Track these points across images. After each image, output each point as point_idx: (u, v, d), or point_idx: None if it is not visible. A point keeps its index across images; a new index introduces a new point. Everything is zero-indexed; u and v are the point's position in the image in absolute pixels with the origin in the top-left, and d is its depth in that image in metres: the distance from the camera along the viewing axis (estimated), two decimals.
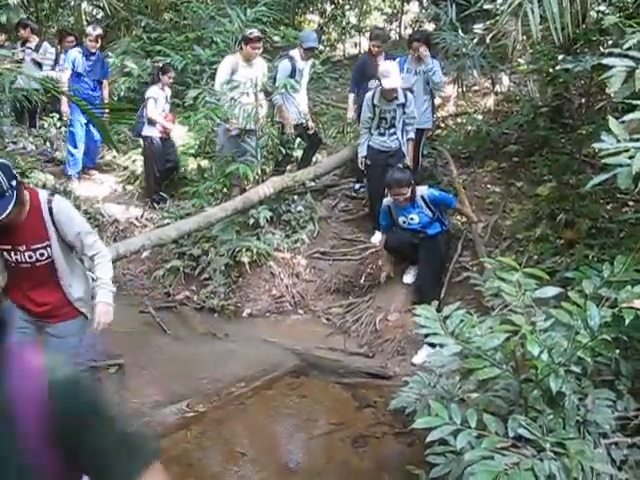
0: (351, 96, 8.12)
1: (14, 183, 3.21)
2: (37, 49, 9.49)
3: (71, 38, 9.00)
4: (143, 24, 11.53)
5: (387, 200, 6.17)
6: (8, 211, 3.18)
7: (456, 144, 8.32)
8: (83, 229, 3.65)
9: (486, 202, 7.06)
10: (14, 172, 3.27)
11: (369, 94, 6.82)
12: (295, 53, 7.69)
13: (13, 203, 3.20)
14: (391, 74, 6.52)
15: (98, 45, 8.58)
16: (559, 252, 5.71)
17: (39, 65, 9.28)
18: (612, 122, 3.03)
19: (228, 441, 4.46)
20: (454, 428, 2.82)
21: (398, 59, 7.39)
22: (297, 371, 5.50)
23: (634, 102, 3.16)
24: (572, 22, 5.00)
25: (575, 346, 2.84)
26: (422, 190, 6.01)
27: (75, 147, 8.53)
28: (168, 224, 6.93)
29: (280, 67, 7.57)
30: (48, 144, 9.43)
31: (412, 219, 6.00)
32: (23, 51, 9.32)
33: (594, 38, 5.93)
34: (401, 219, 6.06)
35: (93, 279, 3.77)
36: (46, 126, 8.18)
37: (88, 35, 8.41)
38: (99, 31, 8.57)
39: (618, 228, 5.57)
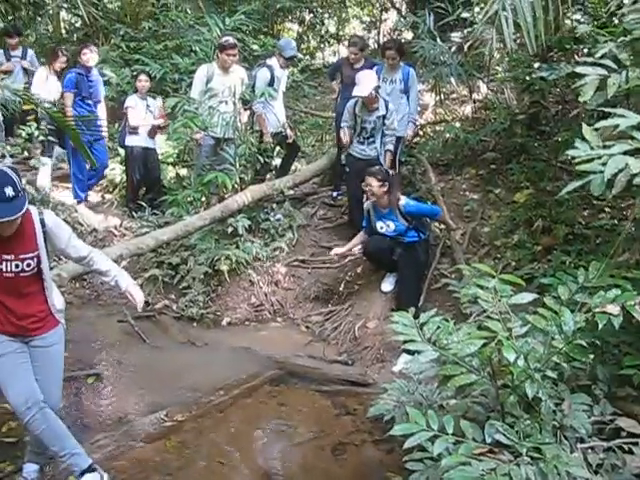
0: (333, 83, 8.29)
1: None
2: (24, 56, 9.40)
3: (64, 59, 8.73)
4: (122, 33, 11.51)
5: (367, 204, 6.18)
6: (24, 210, 3.30)
7: (434, 152, 8.37)
8: (72, 235, 3.75)
9: (464, 209, 7.11)
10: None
11: (351, 102, 6.86)
12: (273, 62, 7.71)
13: (26, 204, 3.33)
14: (362, 83, 6.59)
15: (95, 59, 8.45)
16: (536, 258, 5.77)
17: (27, 73, 9.14)
18: (586, 129, 3.06)
19: (208, 450, 4.42)
20: (431, 434, 2.83)
21: (376, 67, 7.44)
22: (276, 379, 5.48)
23: (607, 110, 3.19)
24: (546, 31, 5.06)
25: (551, 352, 2.86)
26: (402, 199, 6.01)
27: (81, 173, 8.37)
28: (147, 233, 6.90)
29: (259, 76, 7.59)
30: (26, 153, 9.33)
31: (388, 226, 6.04)
32: (8, 60, 9.21)
33: (568, 46, 6.00)
34: (378, 224, 6.08)
35: (101, 272, 3.90)
36: (24, 135, 8.09)
37: (84, 53, 8.24)
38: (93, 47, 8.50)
39: (594, 234, 5.64)
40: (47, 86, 8.38)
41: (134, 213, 8.11)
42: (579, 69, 3.54)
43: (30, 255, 3.50)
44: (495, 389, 2.97)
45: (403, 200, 6.00)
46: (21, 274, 3.52)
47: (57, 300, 3.79)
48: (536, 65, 6.32)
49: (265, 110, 7.60)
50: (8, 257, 3.46)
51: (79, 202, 8.35)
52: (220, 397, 5.07)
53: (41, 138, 8.09)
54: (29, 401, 3.55)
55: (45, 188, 8.14)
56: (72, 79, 8.17)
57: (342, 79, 7.85)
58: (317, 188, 8.32)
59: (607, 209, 6.12)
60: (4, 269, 3.48)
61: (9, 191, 3.20)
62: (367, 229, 6.23)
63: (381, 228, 6.07)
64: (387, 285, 6.32)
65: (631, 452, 2.86)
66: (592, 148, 2.98)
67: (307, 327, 6.46)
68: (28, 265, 3.51)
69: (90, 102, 8.30)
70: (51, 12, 12.96)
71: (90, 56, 8.20)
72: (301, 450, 4.49)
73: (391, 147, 6.91)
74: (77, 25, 13.46)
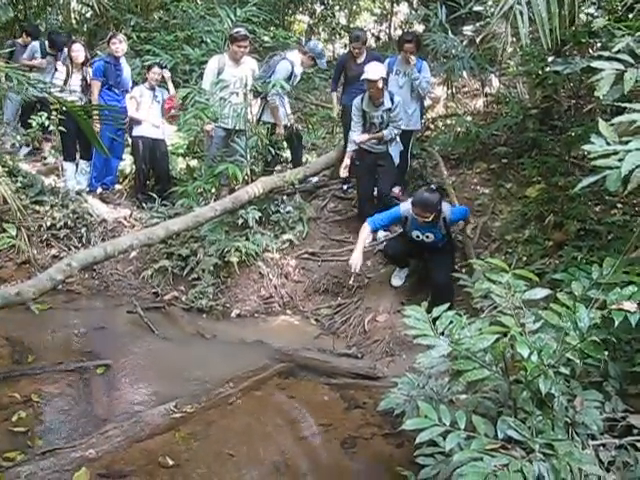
0: (334, 95, 8.21)
1: None
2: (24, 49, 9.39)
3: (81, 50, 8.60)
4: (132, 23, 11.50)
5: (406, 210, 5.81)
6: None
7: (445, 145, 8.33)
8: None
9: (475, 203, 7.08)
10: None
11: (357, 99, 6.80)
12: (294, 57, 7.66)
13: None
14: (370, 69, 6.51)
15: (124, 49, 8.44)
16: (548, 254, 5.74)
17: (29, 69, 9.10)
18: (602, 125, 3.04)
19: (216, 442, 4.42)
20: (443, 429, 2.82)
21: (388, 60, 7.39)
22: (286, 372, 5.48)
23: (623, 105, 3.16)
24: (561, 25, 5.02)
25: (564, 348, 2.84)
26: (445, 212, 5.75)
27: (101, 163, 8.39)
28: (157, 224, 6.90)
29: (280, 69, 7.53)
30: (36, 143, 9.35)
31: (427, 237, 5.84)
32: (44, 57, 9.17)
33: (583, 40, 5.95)
34: (415, 233, 5.87)
35: None
36: (34, 125, 8.10)
37: (113, 43, 8.25)
38: (122, 36, 8.50)
39: (606, 230, 5.60)
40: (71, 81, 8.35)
41: (143, 204, 8.11)
42: (595, 64, 3.50)
43: None
44: (508, 384, 2.96)
45: (448, 211, 5.79)
46: None
47: None
48: (550, 59, 6.27)
49: (280, 102, 7.58)
50: None
51: (90, 191, 8.36)
52: (229, 389, 5.06)
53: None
54: None
55: (74, 190, 8.16)
56: (100, 67, 8.20)
57: (346, 75, 7.81)
58: (327, 180, 8.29)
59: (619, 205, 6.08)
60: None
61: None
62: (382, 228, 6.18)
63: (417, 237, 5.88)
64: (397, 280, 6.31)
65: None
66: (608, 143, 2.95)
67: (316, 320, 6.46)
68: None
69: (117, 91, 8.31)
70: (61, 2, 12.95)
71: (119, 46, 8.22)
72: (310, 443, 4.49)
73: (396, 132, 6.82)
74: (87, 15, 13.44)
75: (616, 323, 2.82)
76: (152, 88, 8.22)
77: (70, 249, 7.36)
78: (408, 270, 6.37)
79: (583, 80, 6.17)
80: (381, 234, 6.88)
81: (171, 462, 4.14)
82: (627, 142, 2.88)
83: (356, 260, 5.84)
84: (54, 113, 7.73)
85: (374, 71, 6.48)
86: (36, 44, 9.29)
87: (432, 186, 5.99)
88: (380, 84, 6.52)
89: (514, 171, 7.38)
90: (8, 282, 6.68)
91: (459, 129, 8.51)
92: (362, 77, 6.54)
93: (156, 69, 8.23)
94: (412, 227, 5.85)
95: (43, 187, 7.96)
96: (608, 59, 3.45)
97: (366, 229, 5.96)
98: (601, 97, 3.42)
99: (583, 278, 3.37)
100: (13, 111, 9.47)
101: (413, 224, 5.80)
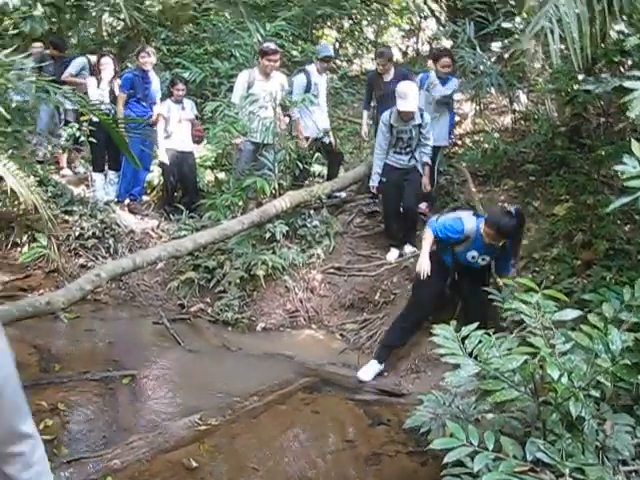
0: (365, 113, 8.19)
1: None
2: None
3: (110, 64, 8.69)
4: (163, 36, 11.62)
5: (472, 228, 5.23)
6: None
7: (473, 162, 8.29)
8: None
9: None
10: None
11: (386, 114, 6.77)
12: (311, 68, 7.78)
13: None
14: (408, 97, 6.48)
15: (153, 62, 8.55)
16: (576, 273, 5.68)
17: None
18: (635, 145, 3.02)
19: (240, 455, 4.44)
20: (471, 450, 2.80)
21: (421, 75, 7.39)
22: (310, 387, 5.49)
23: None
24: (592, 43, 5.00)
25: (595, 370, 2.81)
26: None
27: (130, 173, 8.45)
28: (184, 236, 6.95)
29: (295, 81, 7.67)
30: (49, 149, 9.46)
31: (484, 259, 5.37)
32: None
33: (615, 59, 5.92)
34: (471, 254, 5.34)
35: None
36: (64, 135, 8.22)
37: (142, 56, 8.34)
38: (151, 50, 8.61)
39: (636, 250, 5.54)
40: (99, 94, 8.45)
41: (171, 216, 8.16)
42: (627, 84, 3.50)
43: None
44: (537, 406, 2.93)
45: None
46: None
47: None
48: (580, 77, 6.24)
49: (301, 115, 7.63)
50: None
51: (118, 202, 8.44)
52: (254, 402, 5.08)
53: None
54: None
55: (102, 200, 8.26)
56: (128, 79, 8.32)
57: (376, 94, 7.82)
58: (354, 195, 8.29)
59: None
60: None
61: None
62: (444, 237, 5.38)
63: (472, 258, 5.35)
64: None
65: None
66: None
67: (342, 335, 6.44)
68: None
69: (145, 104, 8.41)
70: (94, 15, 13.12)
71: (147, 60, 8.35)
72: (334, 459, 4.48)
73: (429, 160, 6.84)
74: (118, 28, 13.61)
75: None
76: (178, 101, 8.28)
77: (97, 259, 7.44)
78: None
79: (613, 99, 6.13)
80: (408, 249, 6.85)
81: (194, 464, 4.18)
82: None
83: (425, 266, 5.44)
84: (84, 124, 7.82)
85: (411, 101, 6.48)
86: (84, 60, 9.37)
87: (512, 209, 5.29)
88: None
89: (542, 189, 7.32)
90: (37, 290, 6.76)
91: (487, 146, 8.48)
92: (399, 107, 6.52)
93: (180, 85, 8.29)
94: (472, 246, 5.29)
95: (73, 197, 8.06)
96: None
97: (430, 234, 5.49)
98: (633, 117, 3.41)
99: (613, 299, 3.34)
100: (47, 121, 9.56)
101: (475, 244, 5.26)
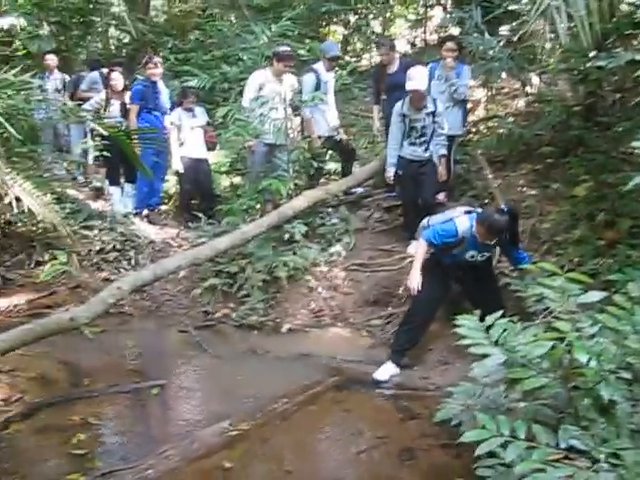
0: (375, 108, 8.14)
1: None
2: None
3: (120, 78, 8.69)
4: (169, 45, 11.67)
5: (465, 230, 5.19)
6: None
7: (488, 148, 8.21)
8: None
9: (522, 206, 6.93)
10: None
11: (398, 104, 6.74)
12: (319, 66, 7.74)
13: None
14: (416, 77, 6.46)
15: (161, 72, 8.56)
16: (600, 253, 5.59)
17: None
18: None
19: (273, 459, 4.42)
20: (503, 440, 2.76)
21: (430, 65, 7.34)
22: (340, 385, 5.46)
23: None
24: (601, 18, 4.92)
25: (625, 352, 2.76)
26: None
27: (146, 185, 8.48)
28: (204, 243, 6.95)
29: (304, 81, 7.63)
30: (81, 169, 9.53)
31: (483, 256, 5.35)
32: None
33: (627, 32, 5.82)
34: (470, 253, 5.30)
35: None
36: (79, 152, 8.27)
37: (149, 68, 8.36)
38: (158, 60, 8.62)
39: None
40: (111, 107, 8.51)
41: (189, 224, 8.18)
42: None
43: None
44: (567, 392, 2.89)
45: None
46: None
47: None
48: (592, 54, 6.15)
49: (313, 114, 7.60)
50: None
51: (137, 214, 8.47)
52: (284, 405, 5.06)
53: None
54: None
55: (121, 213, 8.29)
56: (139, 91, 8.33)
57: (382, 86, 7.78)
58: (371, 190, 8.25)
59: None
60: None
61: None
62: (441, 243, 5.31)
63: (472, 257, 5.32)
64: None
65: None
66: None
67: (368, 331, 6.39)
68: None
69: (157, 113, 8.42)
70: (100, 30, 13.20)
71: (155, 70, 8.34)
72: (368, 456, 4.44)
73: (444, 151, 6.80)
74: (125, 41, 13.68)
75: None
76: (189, 109, 8.28)
77: (120, 271, 7.46)
78: None
79: (627, 73, 6.03)
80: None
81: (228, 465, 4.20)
82: None
83: (414, 283, 5.38)
84: (97, 139, 7.85)
85: (420, 81, 6.46)
86: (96, 75, 9.44)
87: (503, 207, 5.36)
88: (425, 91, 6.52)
89: (560, 170, 7.22)
90: (62, 306, 6.79)
91: (501, 131, 8.40)
92: (407, 87, 6.50)
93: (190, 98, 8.29)
94: (469, 247, 5.25)
95: (91, 212, 8.10)
96: None
97: (423, 246, 5.43)
98: None
99: (639, 278, 3.28)
100: (76, 139, 9.57)
101: (471, 244, 5.23)
